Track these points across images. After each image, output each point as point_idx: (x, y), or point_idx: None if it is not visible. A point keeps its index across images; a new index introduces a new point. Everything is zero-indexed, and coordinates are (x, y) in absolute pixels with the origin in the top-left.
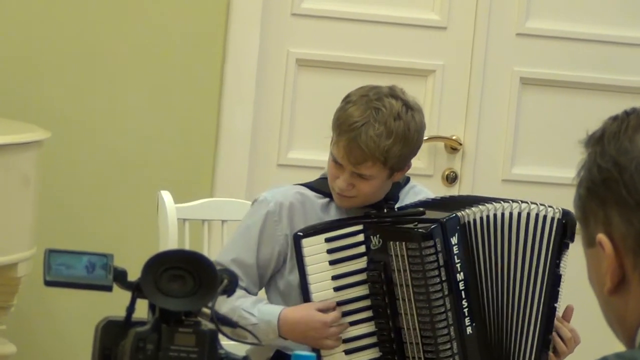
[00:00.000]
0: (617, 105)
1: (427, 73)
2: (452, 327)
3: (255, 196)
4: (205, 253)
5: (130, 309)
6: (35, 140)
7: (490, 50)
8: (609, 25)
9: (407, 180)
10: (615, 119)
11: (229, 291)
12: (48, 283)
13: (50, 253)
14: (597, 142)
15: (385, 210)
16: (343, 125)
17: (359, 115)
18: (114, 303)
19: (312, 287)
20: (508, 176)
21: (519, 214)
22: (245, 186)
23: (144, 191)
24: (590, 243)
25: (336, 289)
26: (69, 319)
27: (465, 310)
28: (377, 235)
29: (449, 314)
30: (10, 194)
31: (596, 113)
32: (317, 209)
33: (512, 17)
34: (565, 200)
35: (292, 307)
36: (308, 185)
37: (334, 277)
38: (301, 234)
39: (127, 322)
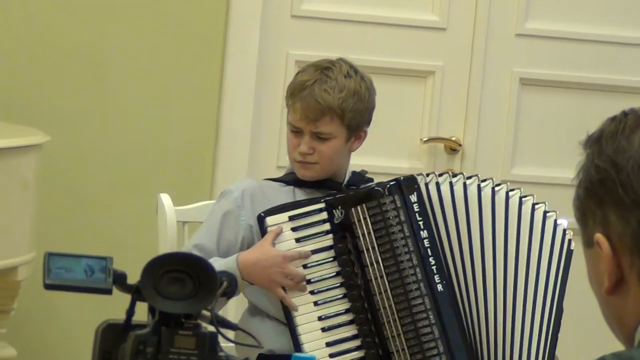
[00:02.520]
0: (617, 106)
1: (427, 74)
2: (422, 283)
3: None
4: None
5: (130, 311)
6: (35, 143)
7: (490, 51)
8: (608, 25)
9: (370, 178)
10: (613, 119)
11: (229, 293)
12: (48, 286)
13: (50, 256)
14: (595, 142)
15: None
16: (295, 89)
17: (309, 76)
18: (114, 306)
19: None
20: (508, 177)
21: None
22: None
23: (143, 194)
24: (588, 243)
25: (305, 267)
26: (69, 322)
27: (434, 267)
28: (339, 207)
29: (417, 269)
30: (10, 198)
31: (596, 113)
32: (280, 195)
33: (511, 17)
34: (565, 201)
35: (248, 250)
36: (274, 179)
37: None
38: (264, 214)
39: (127, 325)
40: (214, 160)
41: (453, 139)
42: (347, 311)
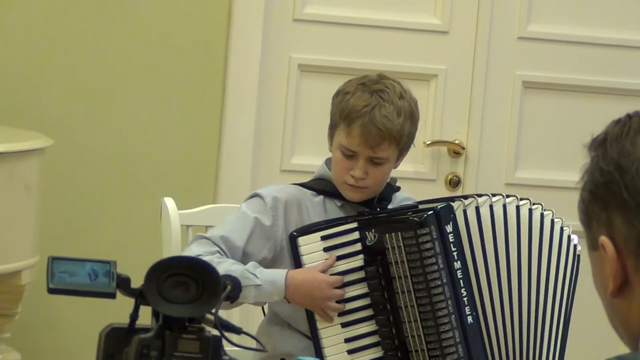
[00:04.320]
0: (620, 109)
1: (430, 77)
2: (453, 316)
3: None
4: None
5: (134, 315)
6: (38, 147)
7: (492, 54)
8: (611, 28)
9: (398, 187)
10: (617, 122)
11: (232, 297)
12: (51, 290)
13: (54, 260)
14: (600, 145)
15: (378, 209)
16: (353, 113)
17: (366, 100)
18: (118, 310)
19: None
20: (511, 180)
21: (517, 208)
22: (249, 192)
23: (147, 198)
24: (593, 246)
25: (335, 288)
26: (72, 326)
27: (465, 299)
28: (372, 230)
29: (449, 302)
30: (13, 202)
31: (599, 116)
32: (312, 206)
33: (513, 21)
34: (569, 204)
35: (297, 269)
36: (304, 185)
37: (332, 275)
38: (296, 233)
39: (131, 329)
40: (218, 164)
41: (456, 142)
42: (373, 333)
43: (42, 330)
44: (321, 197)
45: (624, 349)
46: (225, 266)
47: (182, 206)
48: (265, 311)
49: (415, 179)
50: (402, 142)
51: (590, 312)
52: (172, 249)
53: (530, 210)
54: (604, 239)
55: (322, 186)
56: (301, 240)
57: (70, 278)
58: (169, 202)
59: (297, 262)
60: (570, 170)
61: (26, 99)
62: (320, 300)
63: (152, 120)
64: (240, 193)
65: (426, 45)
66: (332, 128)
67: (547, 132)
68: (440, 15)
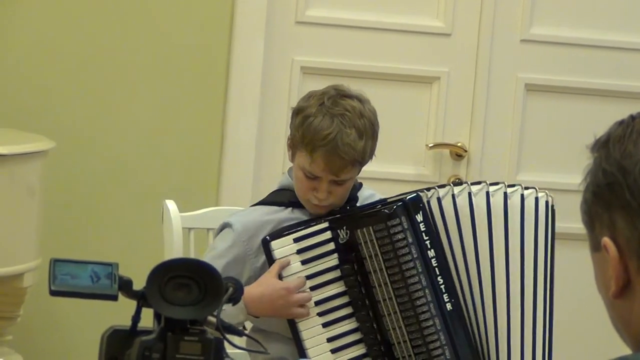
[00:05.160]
0: (622, 111)
1: (432, 80)
2: (432, 304)
3: None
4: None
5: (136, 318)
6: (40, 150)
7: (495, 56)
8: (614, 31)
9: (361, 184)
10: (620, 123)
11: (234, 299)
12: (53, 293)
13: (56, 263)
14: (603, 146)
15: (348, 207)
16: (316, 141)
17: (328, 126)
18: (120, 312)
19: None
20: (513, 182)
21: (487, 194)
22: (251, 195)
23: (148, 200)
24: (596, 247)
25: (312, 288)
26: (74, 328)
27: (442, 286)
28: (344, 227)
29: (427, 290)
30: (15, 204)
31: (601, 119)
32: (282, 222)
33: (516, 23)
34: (571, 206)
35: (253, 284)
36: (269, 202)
37: (309, 277)
38: (269, 237)
39: (133, 331)
40: (220, 166)
41: (458, 144)
42: (355, 330)
43: (44, 333)
44: (289, 208)
45: (626, 350)
46: None
47: (184, 209)
48: None
49: (417, 181)
50: (365, 161)
51: (592, 313)
52: (174, 251)
53: (506, 194)
54: (606, 240)
55: (287, 197)
56: (274, 244)
57: (72, 280)
58: (171, 205)
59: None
60: (573, 173)
61: (28, 101)
62: (284, 308)
63: (155, 123)
64: (242, 195)
65: (428, 47)
66: (293, 147)
67: (550, 135)
68: (442, 17)
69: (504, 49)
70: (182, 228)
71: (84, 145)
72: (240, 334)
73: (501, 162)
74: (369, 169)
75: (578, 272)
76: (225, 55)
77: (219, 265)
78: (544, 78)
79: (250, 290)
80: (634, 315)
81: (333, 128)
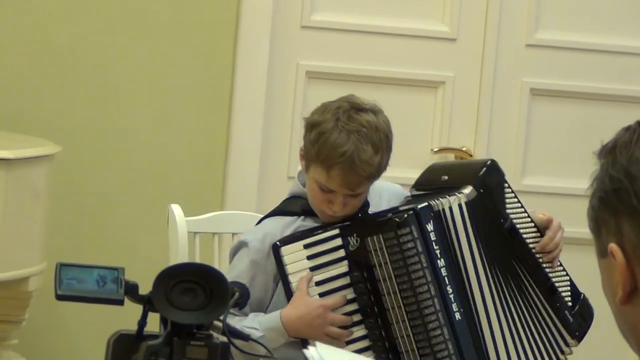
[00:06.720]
0: (628, 116)
1: (437, 84)
2: (440, 314)
3: (266, 208)
4: (216, 266)
5: (142, 322)
6: (46, 154)
7: (500, 61)
8: (619, 35)
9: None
10: (627, 129)
11: (240, 304)
12: (59, 297)
13: (62, 267)
14: (609, 152)
15: (359, 215)
16: (333, 157)
17: (344, 142)
18: (126, 317)
19: None
20: (518, 187)
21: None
22: (256, 199)
23: (154, 205)
24: (602, 253)
25: (321, 295)
26: (80, 333)
27: (451, 296)
28: (354, 235)
29: (435, 300)
30: (21, 208)
31: (606, 124)
32: (293, 229)
33: (521, 28)
34: (576, 211)
35: (288, 306)
36: (280, 212)
37: (318, 283)
38: (279, 243)
39: (139, 336)
40: (225, 170)
41: (464, 149)
42: (363, 338)
43: (49, 337)
44: (302, 217)
45: (633, 356)
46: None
47: (189, 213)
48: None
49: None
50: (380, 174)
51: (599, 319)
52: (179, 255)
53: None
54: (613, 246)
55: (299, 206)
56: (284, 249)
57: (78, 285)
58: (176, 209)
59: (281, 272)
60: (578, 178)
61: (34, 105)
62: (321, 327)
63: (160, 127)
64: (247, 199)
65: (434, 52)
66: (307, 160)
67: (555, 140)
68: (448, 22)
69: (510, 54)
70: (187, 232)
71: (89, 150)
72: (246, 338)
73: (506, 167)
74: None
75: (584, 277)
76: (230, 60)
77: (243, 275)
78: (549, 83)
79: (287, 313)
80: None
81: (349, 145)
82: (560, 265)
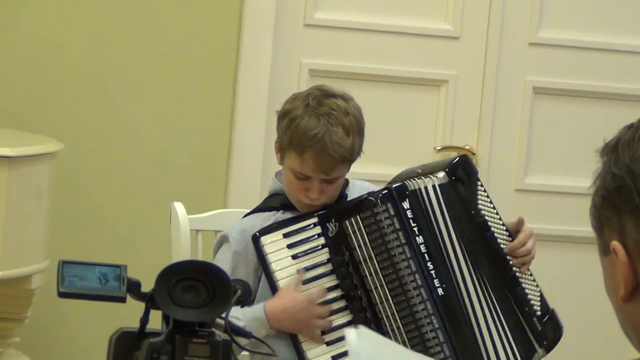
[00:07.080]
0: (631, 115)
1: (440, 83)
2: (423, 289)
3: None
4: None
5: (144, 319)
6: (49, 152)
7: (503, 60)
8: (622, 34)
9: (347, 181)
10: (630, 127)
11: (243, 302)
12: (62, 294)
13: (64, 264)
14: (612, 150)
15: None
16: (304, 142)
17: (315, 126)
18: (128, 314)
19: (281, 283)
20: (521, 186)
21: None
22: (259, 197)
23: (156, 202)
24: (605, 251)
25: (304, 282)
26: (82, 330)
27: (432, 272)
28: (332, 220)
29: (417, 275)
30: (23, 206)
31: (610, 122)
32: (272, 221)
33: (524, 26)
34: (579, 210)
35: (274, 298)
36: (258, 210)
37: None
38: (258, 233)
39: (141, 333)
40: (228, 168)
41: (466, 147)
42: (349, 323)
43: (52, 335)
44: (281, 211)
45: (635, 354)
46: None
47: (192, 211)
48: None
49: None
50: (353, 158)
51: (601, 316)
52: (182, 253)
53: None
54: (615, 244)
55: (279, 202)
56: (263, 239)
57: (81, 282)
58: (179, 207)
59: (263, 262)
60: (581, 176)
61: (36, 103)
62: (305, 321)
63: (163, 125)
64: (250, 197)
65: (437, 50)
66: (282, 149)
67: (558, 138)
68: (451, 20)
69: (512, 52)
70: (189, 230)
71: (92, 147)
72: (248, 336)
73: (509, 165)
74: (375, 171)
75: (586, 275)
76: (233, 58)
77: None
78: (552, 81)
79: (272, 305)
80: None
81: (320, 127)
82: (532, 276)
